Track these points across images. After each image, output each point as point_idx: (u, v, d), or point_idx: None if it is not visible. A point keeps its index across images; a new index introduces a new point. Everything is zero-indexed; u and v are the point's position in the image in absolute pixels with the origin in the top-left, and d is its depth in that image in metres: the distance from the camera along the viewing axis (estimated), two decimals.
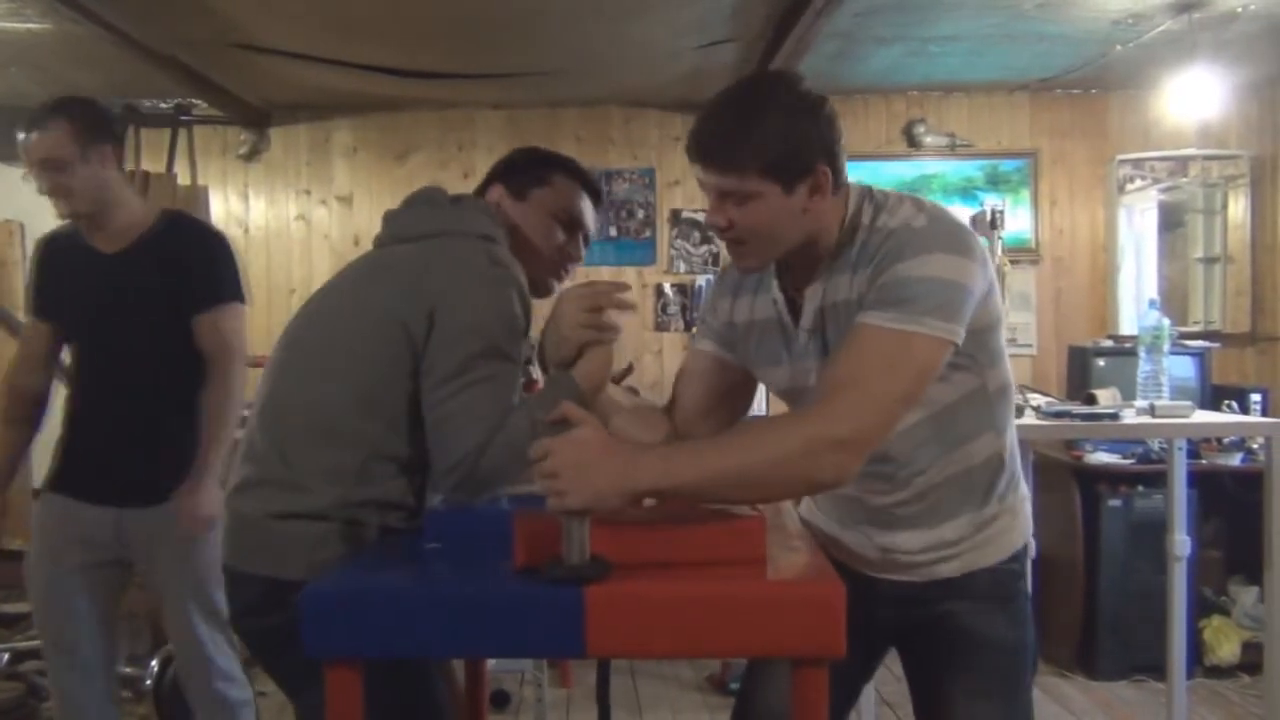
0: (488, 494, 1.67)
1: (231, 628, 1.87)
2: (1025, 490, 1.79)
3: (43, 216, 5.15)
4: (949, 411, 1.59)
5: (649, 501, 1.44)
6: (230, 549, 1.76)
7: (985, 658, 1.70)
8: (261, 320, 5.20)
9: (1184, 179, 5.08)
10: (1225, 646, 4.24)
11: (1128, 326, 4.91)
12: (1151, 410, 2.98)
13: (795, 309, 1.63)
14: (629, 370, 2.00)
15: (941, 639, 1.69)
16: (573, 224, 1.89)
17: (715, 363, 1.77)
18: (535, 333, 1.82)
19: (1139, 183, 5.09)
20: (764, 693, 1.77)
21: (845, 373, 1.42)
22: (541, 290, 1.86)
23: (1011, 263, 3.79)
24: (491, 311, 1.65)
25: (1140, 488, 4.25)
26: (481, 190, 1.92)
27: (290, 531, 1.66)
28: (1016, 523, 1.74)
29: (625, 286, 1.79)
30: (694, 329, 5.18)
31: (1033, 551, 3.01)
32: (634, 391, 1.98)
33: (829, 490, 1.47)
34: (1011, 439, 1.72)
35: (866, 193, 1.59)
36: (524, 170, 1.89)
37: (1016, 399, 3.10)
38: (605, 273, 5.18)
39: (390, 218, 1.86)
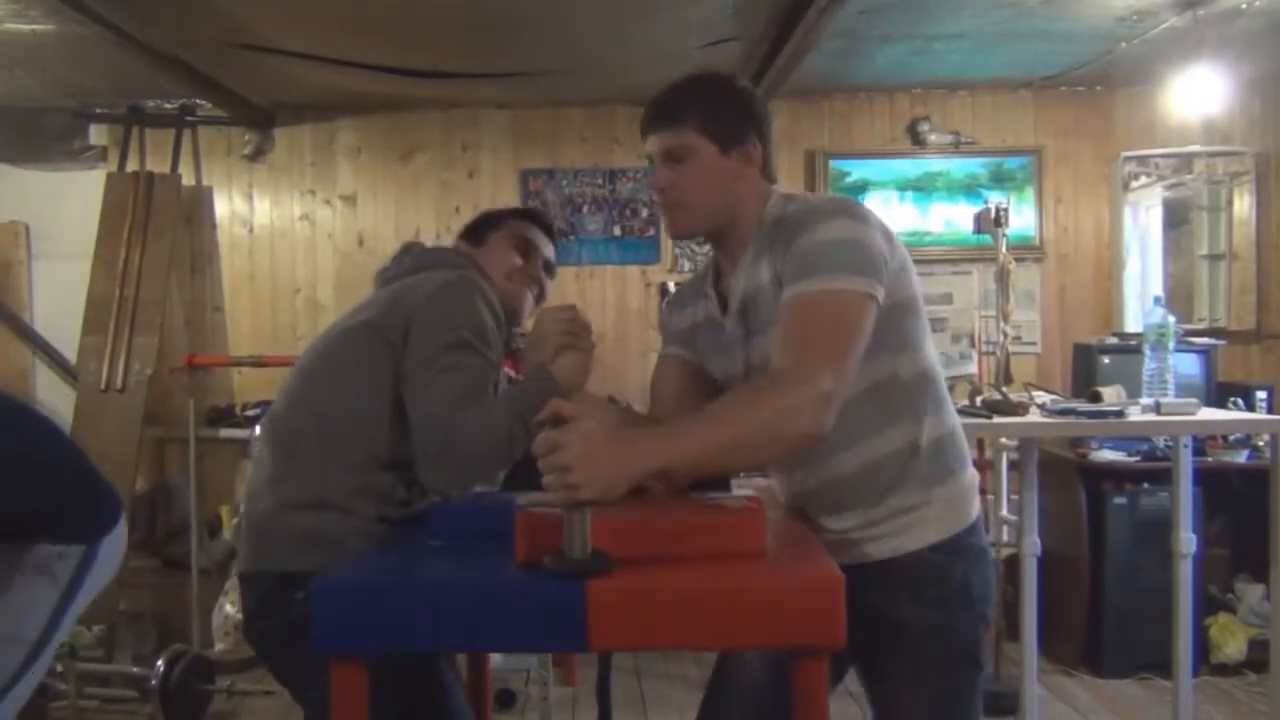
0: (472, 477, 1.78)
1: (247, 639, 1.95)
2: (968, 482, 1.75)
3: (49, 217, 5.20)
4: (855, 401, 1.58)
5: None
6: (246, 554, 1.89)
7: (909, 648, 1.68)
8: (266, 320, 5.22)
9: (1189, 176, 5.08)
10: (1231, 644, 4.23)
11: (1133, 324, 4.90)
12: (1157, 408, 2.98)
13: (725, 303, 1.75)
14: (610, 400, 2.09)
15: (871, 630, 1.62)
16: (527, 248, 2.08)
17: (680, 363, 1.87)
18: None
19: (1144, 180, 5.08)
20: (740, 667, 1.80)
21: (793, 340, 1.52)
22: (516, 315, 2.06)
23: (1016, 260, 3.78)
24: (457, 310, 1.82)
25: (1145, 485, 4.24)
26: (443, 248, 2.17)
27: (292, 524, 1.80)
28: (949, 514, 1.70)
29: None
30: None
31: (1037, 550, 3.05)
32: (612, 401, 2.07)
33: (814, 444, 1.50)
34: (939, 427, 1.70)
35: (787, 193, 1.72)
36: (480, 225, 2.12)
37: (1021, 396, 3.14)
38: (609, 271, 5.19)
39: (380, 272, 2.09)
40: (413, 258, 2.06)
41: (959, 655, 1.70)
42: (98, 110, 5.12)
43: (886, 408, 1.65)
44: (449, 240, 2.26)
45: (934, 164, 5.19)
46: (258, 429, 4.24)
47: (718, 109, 1.67)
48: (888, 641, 1.66)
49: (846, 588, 1.25)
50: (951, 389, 1.89)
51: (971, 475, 1.76)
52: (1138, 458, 4.28)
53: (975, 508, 1.74)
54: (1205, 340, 4.57)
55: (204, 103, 5.01)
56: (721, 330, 1.75)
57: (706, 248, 1.89)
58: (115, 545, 1.41)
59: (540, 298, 2.12)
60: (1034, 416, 2.96)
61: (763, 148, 1.71)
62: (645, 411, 1.98)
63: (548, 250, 2.12)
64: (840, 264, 1.54)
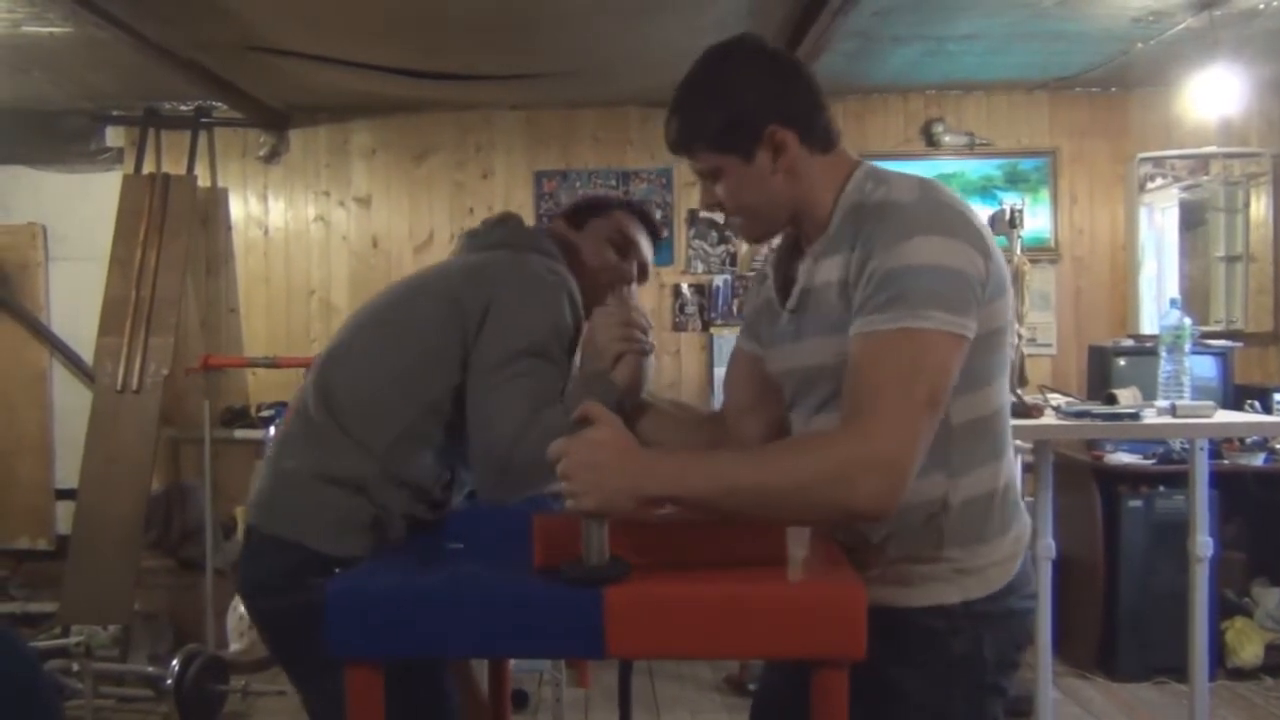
0: (524, 489, 1.70)
1: (245, 602, 1.88)
2: (1005, 549, 1.48)
3: (65, 219, 5.23)
4: None
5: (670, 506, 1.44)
6: (263, 512, 1.80)
7: (893, 714, 1.46)
8: (281, 321, 5.24)
9: (1205, 177, 5.05)
10: (1248, 648, 4.21)
11: (1148, 326, 4.88)
12: (1173, 410, 2.97)
13: (789, 289, 1.55)
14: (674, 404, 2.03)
15: (862, 687, 1.29)
16: (625, 245, 1.98)
17: (747, 359, 1.72)
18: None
19: (1159, 181, 5.05)
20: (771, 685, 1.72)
21: (861, 389, 1.31)
22: (593, 308, 1.92)
23: (1031, 262, 3.77)
24: (541, 312, 1.74)
25: (1161, 488, 4.22)
26: (539, 227, 2.09)
27: (323, 498, 1.73)
28: (965, 579, 1.45)
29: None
30: (711, 329, 5.19)
31: (1052, 553, 3.03)
32: None
33: (871, 521, 1.30)
34: (984, 483, 1.46)
35: (868, 168, 1.51)
36: (586, 208, 2.03)
37: (1036, 398, 3.12)
38: None
39: (466, 234, 2.00)
40: (509, 230, 1.95)
41: None
42: (114, 112, 5.15)
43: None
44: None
45: (948, 165, 5.17)
46: (273, 429, 4.25)
47: (715, 123, 1.47)
48: (875, 702, 1.39)
49: None
50: None
51: (1016, 539, 1.50)
52: (1154, 460, 4.26)
53: (1010, 573, 1.48)
54: (1222, 342, 4.55)
55: (220, 105, 5.03)
56: (778, 319, 1.57)
57: (720, 249, 1.81)
58: None
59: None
60: (1049, 419, 2.95)
61: (794, 122, 1.46)
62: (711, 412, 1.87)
63: (647, 251, 2.01)
64: (925, 297, 1.30)
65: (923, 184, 1.43)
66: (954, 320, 1.31)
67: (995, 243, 1.41)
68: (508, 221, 1.99)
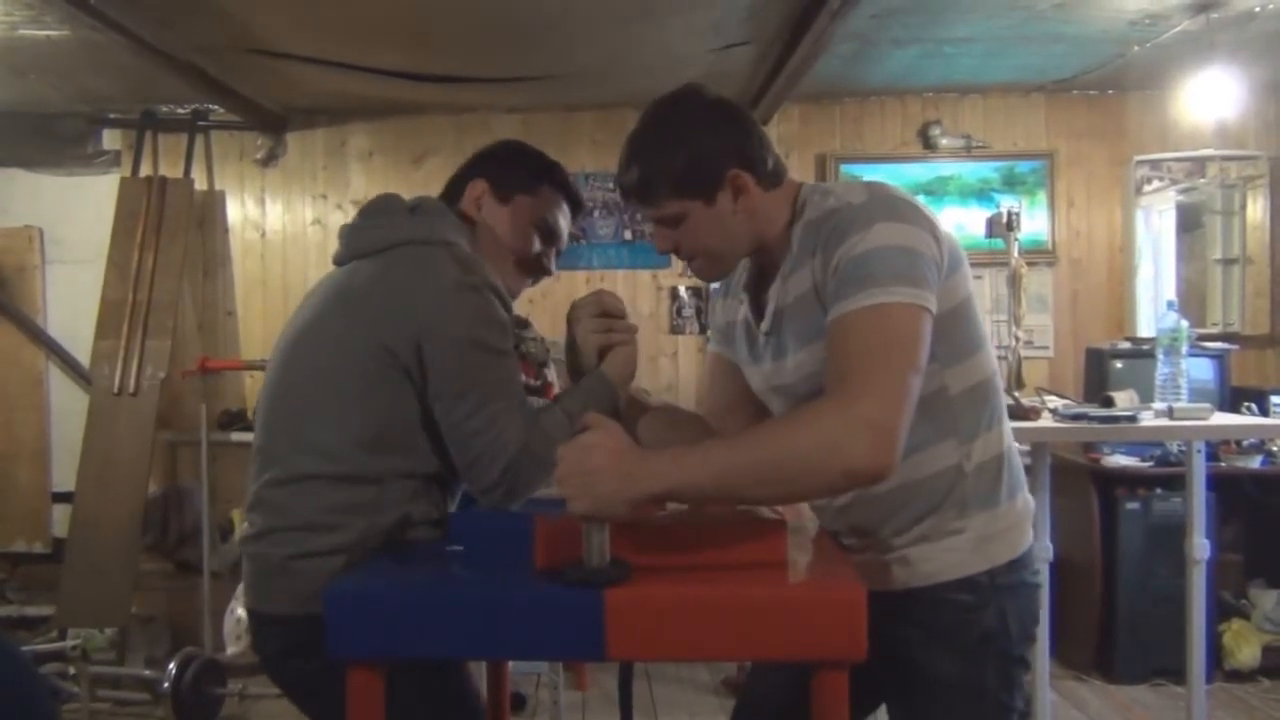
0: (525, 488, 1.66)
1: (268, 674, 1.80)
2: (1019, 512, 1.58)
3: (62, 222, 5.22)
4: None
5: (673, 506, 1.44)
6: (257, 593, 1.72)
7: (928, 696, 1.53)
8: (278, 324, 5.19)
9: (1202, 180, 5.05)
10: (1245, 650, 4.21)
11: (1145, 328, 4.88)
12: (1170, 412, 2.97)
13: (762, 311, 1.61)
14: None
15: (893, 669, 1.48)
16: (550, 234, 1.88)
17: (723, 363, 1.77)
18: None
19: (1156, 184, 5.06)
20: (763, 687, 1.75)
21: (846, 362, 1.36)
22: (509, 293, 1.80)
23: (1028, 264, 3.77)
24: (477, 318, 1.64)
25: (1159, 490, 4.23)
26: (461, 179, 1.89)
27: (315, 568, 1.61)
28: (987, 546, 1.54)
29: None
30: (708, 331, 5.19)
31: (1050, 555, 3.04)
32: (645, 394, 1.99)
33: (870, 481, 1.31)
34: (991, 448, 1.55)
35: (813, 187, 1.58)
36: (512, 170, 1.88)
37: (1033, 401, 3.13)
38: (619, 275, 5.19)
39: (347, 233, 1.80)
40: (395, 225, 1.75)
41: (981, 709, 1.55)
42: (111, 115, 5.14)
43: (931, 425, 1.49)
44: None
45: (945, 168, 5.18)
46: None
47: (678, 168, 1.50)
48: (907, 685, 1.52)
49: (869, 618, 1.18)
50: None
51: (1024, 503, 1.60)
52: (1151, 463, 4.27)
53: (1025, 540, 1.58)
54: (1219, 345, 4.55)
55: (217, 108, 5.02)
56: (755, 339, 1.64)
57: None
58: None
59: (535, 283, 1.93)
60: (1046, 421, 2.95)
61: (751, 165, 1.52)
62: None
63: (566, 237, 1.91)
64: (890, 275, 1.37)
65: (868, 185, 1.51)
66: (918, 294, 1.38)
67: (943, 226, 1.50)
68: (391, 210, 1.79)
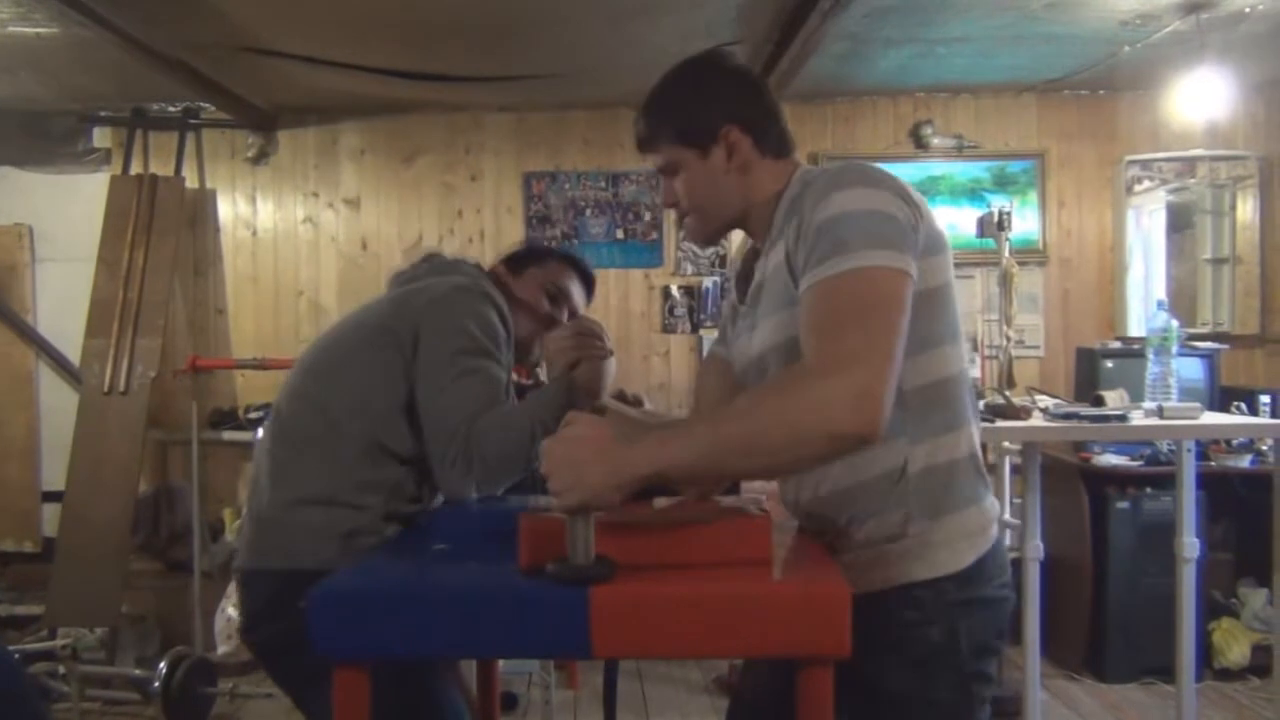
0: (486, 483, 1.77)
1: (244, 639, 1.90)
2: (970, 523, 1.47)
3: (52, 220, 5.21)
4: None
5: (660, 502, 1.44)
6: (248, 552, 1.85)
7: (880, 709, 1.44)
8: (269, 323, 5.23)
9: (1192, 180, 5.07)
10: (1235, 649, 4.23)
11: (1136, 328, 4.90)
12: (1160, 412, 2.98)
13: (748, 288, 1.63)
14: (639, 403, 2.04)
15: (841, 683, 1.27)
16: (559, 295, 2.09)
17: (718, 361, 1.78)
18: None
19: (1147, 184, 5.08)
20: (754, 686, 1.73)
21: (816, 331, 1.31)
22: (523, 349, 2.04)
23: (1019, 264, 3.78)
24: (470, 316, 1.83)
25: (1148, 490, 4.24)
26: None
27: (300, 519, 1.78)
28: (932, 555, 1.45)
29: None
30: (700, 330, 5.19)
31: (1040, 554, 3.04)
32: (639, 401, 2.03)
33: (858, 445, 1.26)
34: (943, 452, 1.46)
35: (808, 169, 1.58)
36: (525, 256, 2.15)
37: (1023, 400, 3.13)
38: (611, 275, 5.19)
39: (396, 274, 2.09)
40: (431, 265, 2.06)
41: None
42: (102, 113, 5.13)
43: None
44: (453, 243, 2.31)
45: (937, 167, 5.19)
46: (260, 431, 4.25)
47: (682, 114, 1.56)
48: (859, 698, 1.36)
49: None
50: None
51: (980, 515, 1.49)
52: (1141, 462, 4.28)
53: (975, 553, 1.46)
54: (1208, 344, 4.57)
55: (208, 106, 5.02)
56: (740, 319, 1.64)
57: (710, 251, 1.84)
58: None
59: None
60: (1037, 420, 2.96)
61: (750, 127, 1.54)
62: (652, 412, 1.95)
63: (579, 299, 2.13)
64: (863, 239, 1.32)
65: (848, 161, 1.56)
66: (895, 256, 1.33)
67: (926, 203, 1.45)
68: (433, 259, 2.10)
